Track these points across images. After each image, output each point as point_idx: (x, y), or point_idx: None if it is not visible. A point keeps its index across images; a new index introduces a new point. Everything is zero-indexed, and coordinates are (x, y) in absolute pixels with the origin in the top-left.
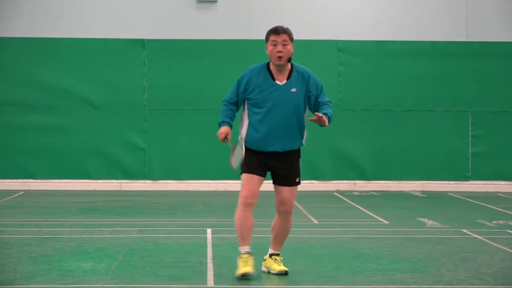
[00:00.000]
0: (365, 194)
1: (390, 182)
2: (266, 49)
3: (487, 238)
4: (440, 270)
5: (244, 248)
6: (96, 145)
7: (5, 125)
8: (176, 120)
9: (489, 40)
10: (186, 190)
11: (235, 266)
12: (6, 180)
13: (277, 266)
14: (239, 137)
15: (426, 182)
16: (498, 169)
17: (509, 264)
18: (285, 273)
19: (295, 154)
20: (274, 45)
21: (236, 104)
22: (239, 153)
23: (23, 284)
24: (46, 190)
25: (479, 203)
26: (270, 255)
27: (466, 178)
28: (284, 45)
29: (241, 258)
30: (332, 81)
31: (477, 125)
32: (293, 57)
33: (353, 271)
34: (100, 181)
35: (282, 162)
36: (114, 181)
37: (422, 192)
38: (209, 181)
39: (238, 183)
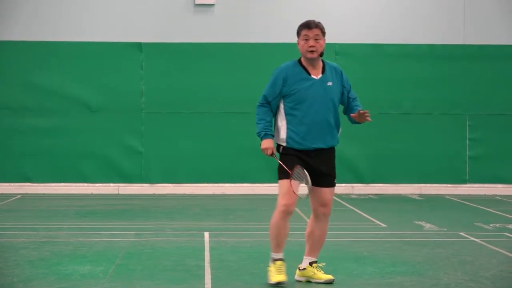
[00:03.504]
0: (362, 197)
1: (387, 185)
2: (298, 44)
3: (484, 241)
4: (438, 273)
5: (278, 255)
6: (93, 148)
7: (2, 129)
8: (174, 123)
9: (486, 43)
10: (184, 194)
11: (232, 270)
12: (4, 184)
13: (323, 275)
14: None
15: (423, 185)
16: (495, 172)
17: (507, 267)
18: (332, 282)
19: (333, 152)
20: (306, 39)
21: (272, 104)
22: (300, 177)
23: None
24: (44, 194)
25: (476, 206)
26: (311, 264)
27: (464, 181)
28: (316, 39)
29: (274, 265)
30: None
31: (475, 128)
32: (291, 60)
33: (351, 274)
34: (97, 184)
35: (323, 161)
36: (111, 184)
37: (420, 195)
38: (207, 185)
39: (235, 186)
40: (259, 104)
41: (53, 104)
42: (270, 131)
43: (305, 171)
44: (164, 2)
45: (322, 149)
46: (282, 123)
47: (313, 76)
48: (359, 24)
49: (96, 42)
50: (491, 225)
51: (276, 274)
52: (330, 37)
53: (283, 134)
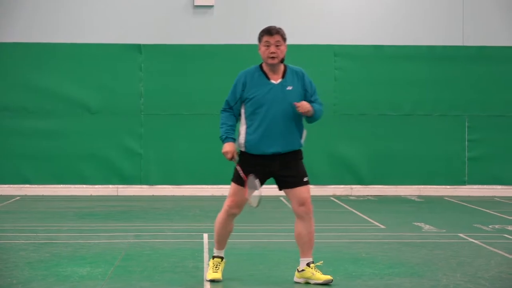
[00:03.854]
0: (361, 198)
1: (386, 186)
2: (259, 49)
3: (483, 243)
4: (436, 274)
5: (218, 252)
6: (92, 150)
7: (1, 130)
8: (173, 125)
9: (485, 44)
10: (183, 195)
11: (231, 271)
12: (3, 185)
13: (322, 276)
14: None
15: (422, 186)
16: (494, 173)
17: (506, 268)
18: (330, 283)
19: (296, 155)
20: (267, 45)
21: (234, 109)
22: (253, 186)
23: None
24: (43, 196)
25: (475, 207)
26: (308, 264)
27: (463, 183)
28: (277, 45)
29: (212, 260)
30: (329, 85)
31: (474, 129)
32: (290, 61)
33: (349, 276)
34: (96, 186)
35: (285, 165)
36: (110, 186)
37: (419, 196)
38: (206, 186)
39: None
40: (222, 109)
41: (52, 106)
42: (231, 135)
43: (257, 180)
44: (163, 4)
45: (280, 154)
46: (242, 128)
47: (272, 81)
48: (358, 25)
49: (95, 44)
50: (490, 226)
51: (212, 272)
52: (330, 39)
53: (241, 139)
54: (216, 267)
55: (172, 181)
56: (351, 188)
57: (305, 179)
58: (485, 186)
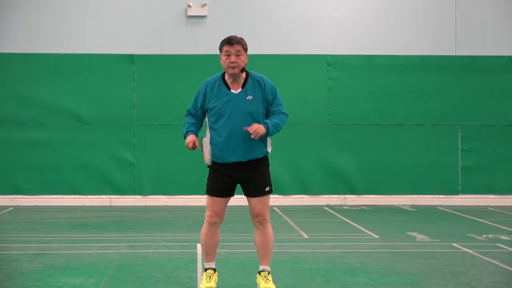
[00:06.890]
0: (355, 208)
1: (380, 196)
2: (220, 59)
3: (477, 252)
4: (430, 284)
5: (209, 264)
6: (85, 160)
7: None
8: (166, 135)
9: (478, 54)
10: (176, 205)
11: (224, 282)
12: None
13: (264, 284)
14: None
15: (416, 196)
16: (487, 182)
17: (499, 277)
18: None
19: (261, 162)
20: (228, 55)
21: (197, 115)
22: (207, 147)
23: None
24: (36, 206)
25: (468, 217)
26: (259, 272)
27: (456, 192)
28: (238, 55)
29: (205, 273)
30: (322, 95)
31: (467, 139)
32: (283, 71)
33: (343, 286)
34: (89, 196)
35: (248, 173)
36: (103, 196)
37: (412, 206)
38: (199, 196)
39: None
40: (185, 115)
41: (45, 117)
42: (191, 128)
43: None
44: (156, 14)
45: (243, 162)
46: (207, 136)
47: (232, 90)
48: (351, 35)
49: (88, 54)
50: (484, 236)
51: (205, 282)
52: (322, 49)
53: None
54: (210, 277)
55: (165, 191)
56: (345, 198)
57: (267, 188)
58: (478, 196)
